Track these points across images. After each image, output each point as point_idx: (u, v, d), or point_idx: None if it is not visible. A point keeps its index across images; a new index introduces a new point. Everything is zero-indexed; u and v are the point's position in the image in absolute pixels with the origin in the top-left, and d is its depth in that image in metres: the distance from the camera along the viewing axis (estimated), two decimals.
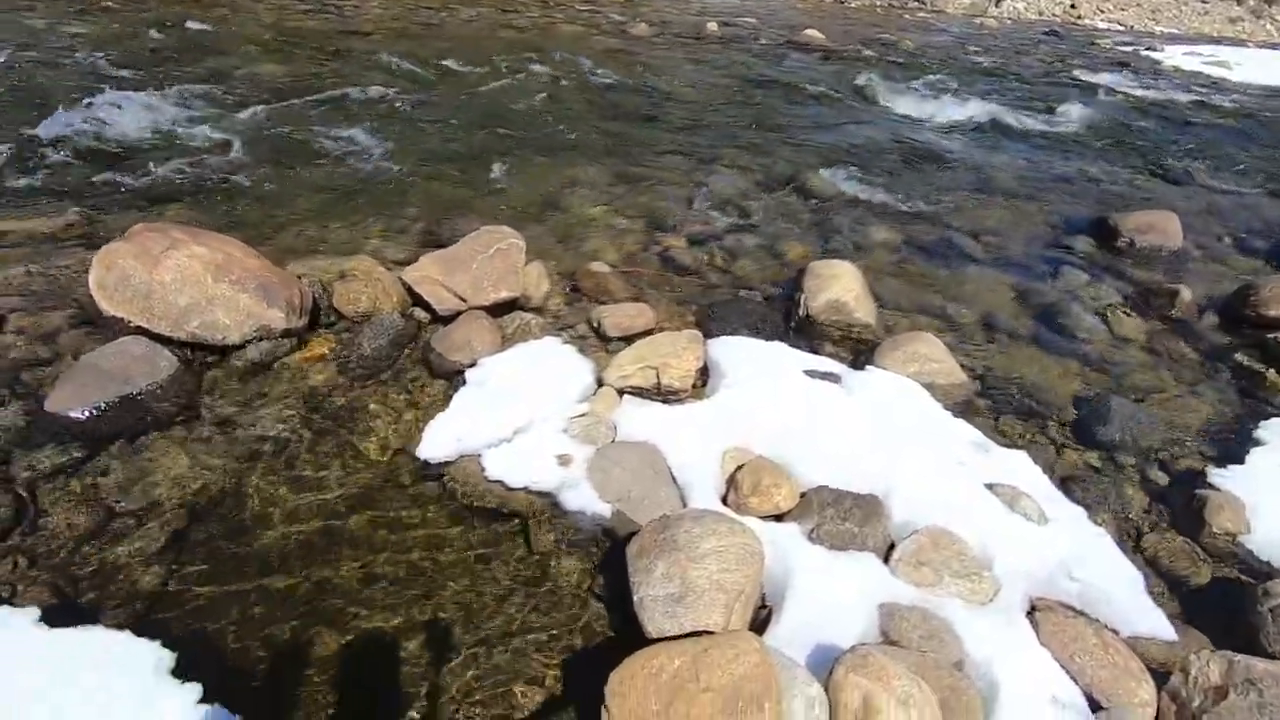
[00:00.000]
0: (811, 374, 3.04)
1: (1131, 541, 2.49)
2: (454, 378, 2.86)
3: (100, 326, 2.84)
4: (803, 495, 2.38)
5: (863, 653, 1.71)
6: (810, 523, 2.27)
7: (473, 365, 2.89)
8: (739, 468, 2.44)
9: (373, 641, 1.94)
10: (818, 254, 4.28)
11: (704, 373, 3.01)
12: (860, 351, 3.38)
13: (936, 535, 2.22)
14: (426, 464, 2.47)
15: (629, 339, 3.17)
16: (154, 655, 1.74)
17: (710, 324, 3.43)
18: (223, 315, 2.79)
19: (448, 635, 1.97)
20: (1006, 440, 2.86)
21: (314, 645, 1.90)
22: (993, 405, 3.12)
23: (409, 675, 1.87)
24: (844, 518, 2.26)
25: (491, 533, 2.28)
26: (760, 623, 1.99)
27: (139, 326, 2.75)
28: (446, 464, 2.47)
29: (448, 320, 3.14)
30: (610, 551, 2.24)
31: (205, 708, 1.64)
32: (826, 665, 1.76)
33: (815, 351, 3.26)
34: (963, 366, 3.27)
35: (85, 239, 3.56)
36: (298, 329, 2.97)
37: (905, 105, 8.01)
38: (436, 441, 2.52)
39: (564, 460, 2.45)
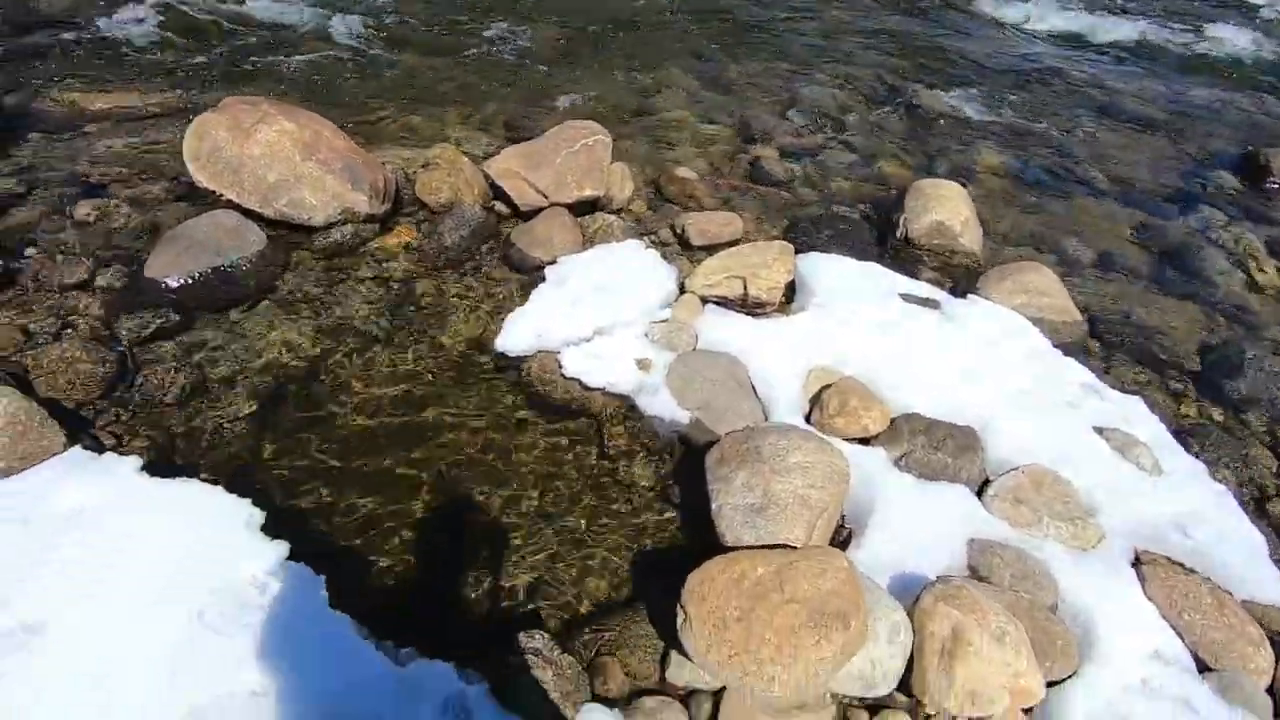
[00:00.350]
0: (908, 298, 2.84)
1: (1254, 504, 2.27)
2: (533, 274, 2.79)
3: (194, 198, 2.87)
4: (892, 421, 2.24)
5: (955, 584, 1.62)
6: (899, 449, 2.15)
7: (552, 263, 2.81)
8: (825, 387, 2.31)
9: (442, 522, 1.96)
10: (920, 175, 3.95)
11: (791, 288, 2.85)
12: (962, 279, 3.13)
13: (1038, 475, 2.06)
14: (503, 356, 2.44)
15: (714, 248, 3.02)
16: (244, 512, 1.79)
17: (800, 239, 3.23)
18: (309, 195, 2.77)
19: (517, 524, 1.98)
20: (1120, 385, 2.62)
21: (386, 519, 1.94)
22: (1107, 346, 2.86)
23: (476, 559, 1.89)
24: (936, 447, 2.13)
25: (565, 430, 2.25)
26: (839, 543, 1.92)
27: (230, 200, 2.77)
28: (523, 358, 2.44)
29: (528, 216, 3.04)
30: (685, 459, 2.18)
31: (291, 565, 1.68)
32: (910, 593, 1.68)
33: (913, 276, 3.04)
34: (1076, 303, 2.99)
35: (183, 114, 3.58)
36: (381, 215, 2.94)
37: (1025, 17, 7.20)
38: (514, 336, 2.47)
39: (643, 364, 2.37)
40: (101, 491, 1.76)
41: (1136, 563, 1.93)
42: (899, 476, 2.08)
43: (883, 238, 3.38)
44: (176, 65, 4.21)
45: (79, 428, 1.99)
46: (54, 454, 1.85)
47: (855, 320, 2.66)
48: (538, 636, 1.62)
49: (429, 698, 1.50)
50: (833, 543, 1.89)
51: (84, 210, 2.77)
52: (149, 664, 1.45)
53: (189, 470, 1.94)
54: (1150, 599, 1.81)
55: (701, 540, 1.90)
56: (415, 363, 2.40)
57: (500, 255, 2.91)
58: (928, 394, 2.36)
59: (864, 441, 2.20)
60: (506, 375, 2.39)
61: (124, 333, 2.32)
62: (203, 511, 1.77)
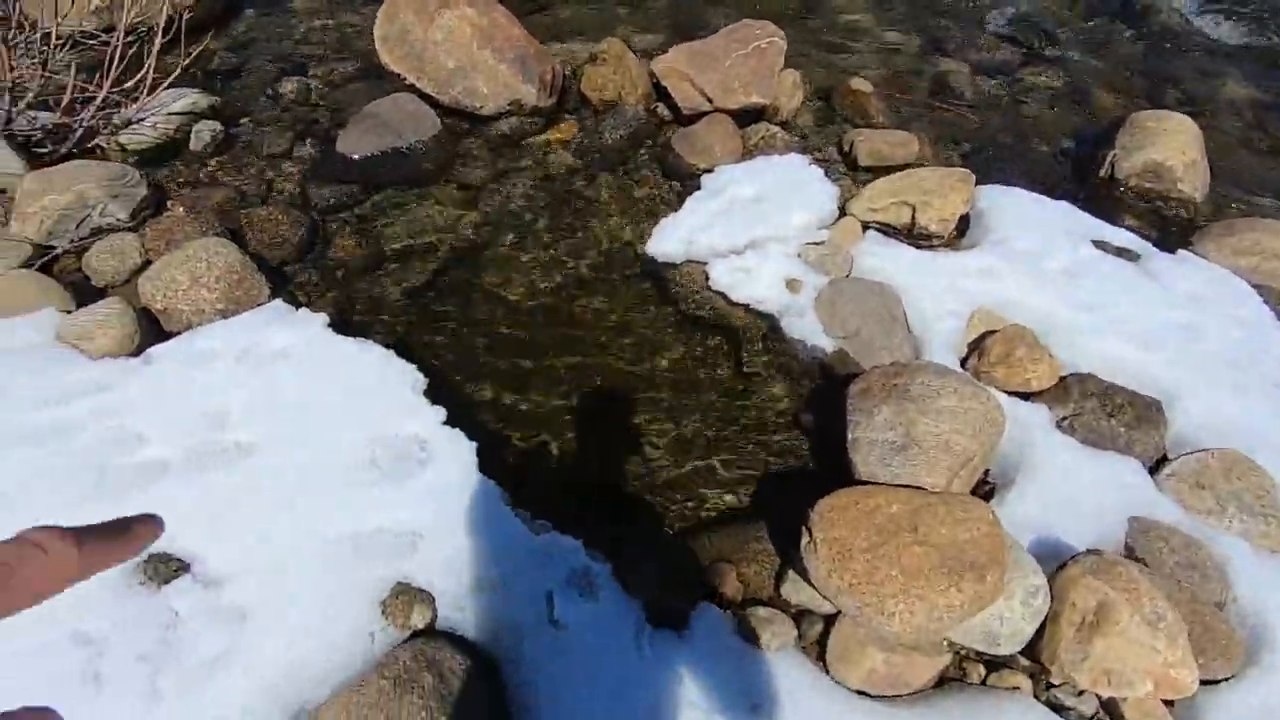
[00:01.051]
0: (1102, 246, 2.52)
1: None
2: (689, 180, 2.74)
3: (381, 79, 3.03)
4: (1062, 379, 2.05)
5: (1109, 559, 1.50)
6: (1065, 409, 1.97)
7: (709, 171, 2.73)
8: (989, 333, 2.14)
9: (581, 409, 2.06)
10: (1140, 105, 3.40)
11: (965, 221, 2.61)
12: (1174, 231, 2.72)
13: (1231, 460, 1.83)
14: (652, 260, 2.45)
15: (883, 170, 2.80)
16: (410, 375, 1.97)
17: (983, 168, 2.91)
18: (482, 84, 2.83)
19: (649, 422, 2.04)
20: None
21: (531, 398, 2.06)
22: None
23: (609, 448, 1.98)
24: (1110, 414, 1.93)
25: (704, 340, 2.26)
26: (981, 496, 1.82)
27: (411, 84, 2.89)
28: (671, 265, 2.43)
29: (690, 120, 2.95)
30: (824, 387, 2.13)
31: (446, 428, 1.85)
32: (1054, 560, 1.58)
33: (1112, 221, 2.67)
34: None
35: None
36: (546, 109, 2.96)
37: None
38: (664, 242, 2.46)
39: (792, 285, 2.29)
40: (299, 339, 2.00)
41: None
42: (1060, 439, 1.92)
43: (1082, 175, 2.98)
44: None
45: (279, 282, 2.24)
46: (260, 303, 2.11)
47: (1034, 264, 2.41)
48: (662, 530, 1.69)
49: (557, 567, 1.63)
50: (974, 494, 1.80)
51: (287, 87, 3.01)
52: (330, 489, 1.67)
53: (366, 330, 2.15)
54: None
55: (831, 470, 1.88)
56: (567, 256, 2.46)
57: (657, 158, 2.87)
58: (1107, 355, 2.13)
59: (1025, 396, 2.03)
60: (653, 279, 2.41)
61: (316, 201, 2.54)
62: (377, 369, 1.97)
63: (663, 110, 3.07)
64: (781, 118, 3.07)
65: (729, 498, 1.91)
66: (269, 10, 3.59)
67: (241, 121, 2.83)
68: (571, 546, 1.67)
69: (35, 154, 2.41)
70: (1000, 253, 2.44)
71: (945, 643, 1.54)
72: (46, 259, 2.13)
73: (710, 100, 2.95)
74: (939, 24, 3.99)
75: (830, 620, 1.59)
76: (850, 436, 1.80)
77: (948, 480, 1.66)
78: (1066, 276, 2.38)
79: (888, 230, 2.52)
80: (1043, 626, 1.49)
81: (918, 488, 1.64)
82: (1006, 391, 2.02)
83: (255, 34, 3.40)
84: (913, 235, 2.50)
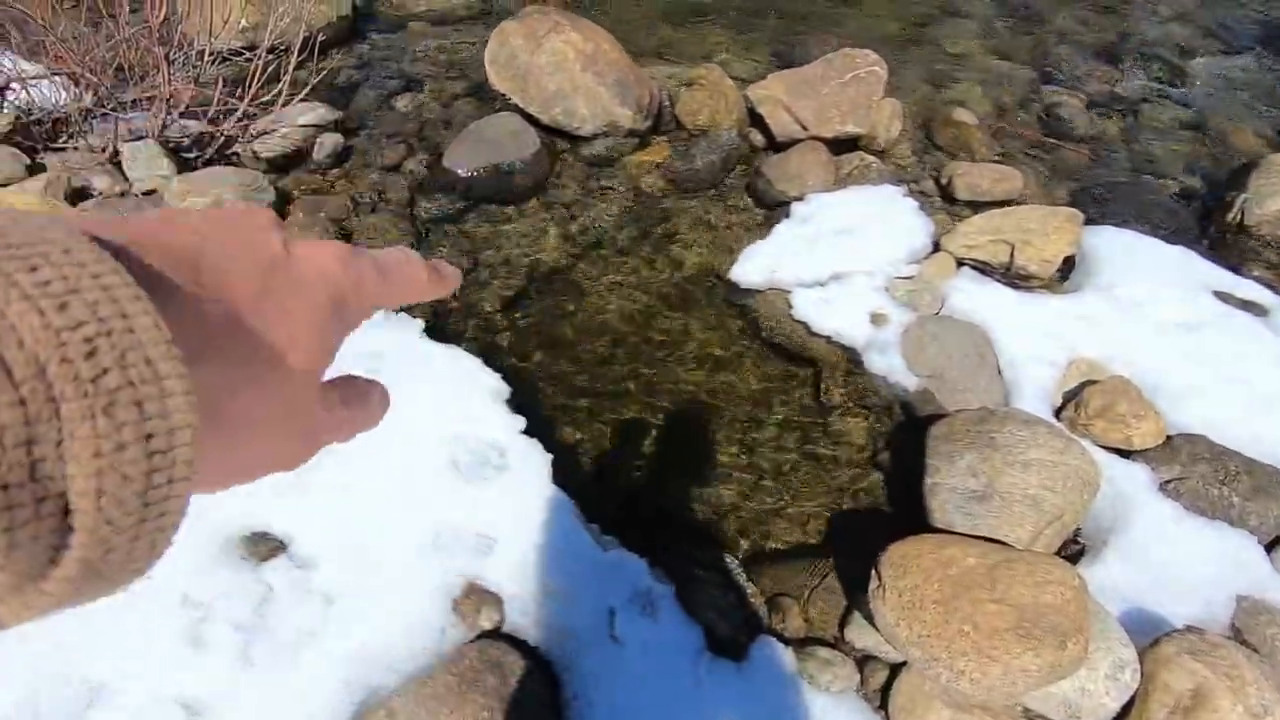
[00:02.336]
0: (1225, 298, 2.34)
1: None
2: (778, 208, 2.74)
3: (487, 98, 3.19)
4: (1169, 438, 1.92)
5: (1211, 639, 1.39)
6: (1170, 472, 1.84)
7: (800, 199, 2.72)
8: (1089, 383, 2.03)
9: (655, 429, 2.08)
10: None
11: (1069, 263, 2.49)
12: None
13: None
14: (735, 286, 2.46)
15: (982, 205, 2.71)
16: (494, 384, 2.06)
17: (1092, 208, 2.77)
18: (582, 105, 2.94)
19: (722, 448, 2.04)
20: None
21: (607, 415, 2.11)
22: None
23: (681, 470, 1.99)
24: (1223, 482, 1.79)
25: (783, 370, 2.24)
26: (1066, 556, 1.72)
27: (515, 104, 3.03)
28: (754, 291, 2.44)
29: (783, 147, 2.95)
30: (904, 426, 2.07)
31: (525, 438, 1.92)
32: (1146, 633, 1.48)
33: (1238, 271, 2.48)
34: None
35: (486, 16, 3.94)
36: (641, 130, 3.04)
37: None
38: (749, 268, 2.47)
39: (878, 320, 2.25)
40: (395, 341, 2.13)
41: None
42: (1162, 502, 1.79)
43: (1206, 220, 2.79)
44: None
45: None
46: None
47: (1145, 313, 2.26)
48: (727, 559, 1.70)
49: (621, 584, 1.66)
50: (1058, 552, 1.71)
51: (402, 102, 3.22)
52: (415, 486, 1.77)
53: (457, 338, 2.26)
54: None
55: (905, 513, 1.83)
56: (651, 276, 2.51)
57: (747, 184, 2.88)
58: (1223, 417, 1.97)
59: (1125, 454, 1.91)
60: (735, 305, 2.42)
61: (421, 212, 2.70)
62: (464, 376, 2.07)
63: (756, 136, 3.09)
64: (878, 147, 3.03)
65: (797, 530, 1.88)
66: (391, 31, 3.85)
67: (360, 134, 3.05)
68: (636, 565, 1.69)
69: (183, 159, 2.68)
70: (1106, 298, 2.31)
71: (1020, 709, 1.46)
72: None
73: (805, 128, 2.95)
74: (1052, 53, 3.83)
75: (896, 669, 1.54)
76: (928, 481, 1.75)
77: (1031, 537, 1.59)
78: (1180, 328, 2.23)
79: (983, 268, 2.44)
80: (1129, 704, 1.40)
81: (998, 541, 1.58)
82: (1103, 446, 1.91)
83: (377, 53, 3.65)
84: (1010, 275, 2.40)
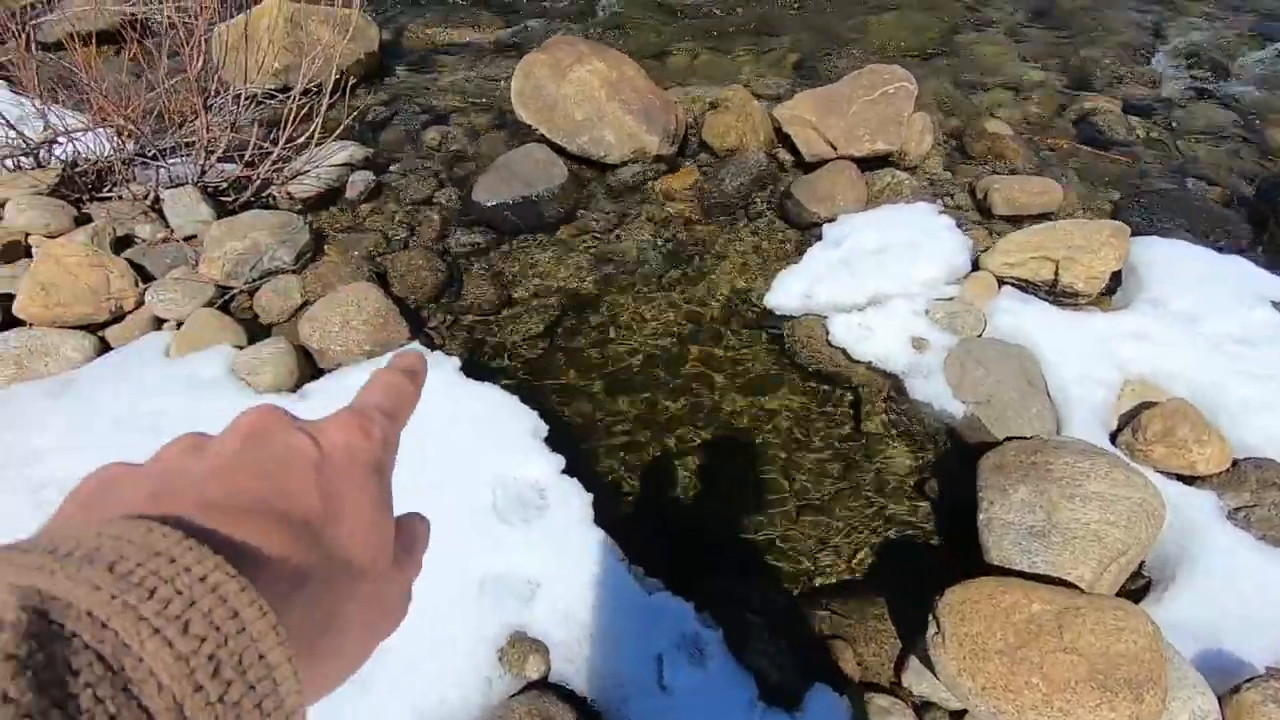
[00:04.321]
0: None
1: None
2: (809, 230, 2.70)
3: (514, 129, 3.21)
4: (1235, 463, 1.83)
5: None
6: (1238, 499, 1.76)
7: (831, 220, 2.69)
8: (1146, 405, 1.95)
9: (695, 463, 2.05)
10: None
11: (1116, 278, 2.41)
12: None
13: None
14: (769, 312, 2.43)
15: (1021, 220, 2.65)
16: (531, 421, 2.05)
17: (1137, 218, 2.69)
18: (608, 134, 2.94)
19: (762, 480, 2.01)
20: None
21: (646, 450, 2.08)
22: None
23: (722, 506, 1.96)
24: None
25: (822, 398, 2.20)
26: (1132, 593, 1.65)
27: (541, 135, 3.05)
28: (789, 318, 2.40)
29: (812, 167, 2.92)
30: (951, 455, 2.02)
31: (565, 478, 1.90)
32: (1224, 678, 1.41)
33: None
34: None
35: (512, 49, 3.98)
36: (668, 155, 3.03)
37: None
38: (782, 293, 2.44)
39: (919, 344, 2.20)
40: (433, 382, 2.12)
41: None
42: (1231, 532, 1.71)
43: (1259, 226, 2.68)
44: (510, 3, 4.64)
45: (417, 324, 2.40)
46: (401, 344, 2.27)
47: (1200, 328, 2.18)
48: (775, 600, 1.66)
49: (668, 629, 1.62)
50: (1125, 590, 1.64)
51: (430, 136, 3.25)
52: (459, 531, 1.76)
53: (492, 374, 2.26)
54: None
55: (957, 548, 1.77)
56: (684, 305, 2.49)
57: (778, 206, 2.85)
58: None
59: (1188, 480, 1.83)
60: (770, 331, 2.38)
61: (452, 245, 2.72)
62: (501, 414, 2.06)
63: (784, 156, 3.06)
64: (909, 163, 2.98)
65: (844, 566, 1.84)
66: (418, 67, 3.90)
67: (390, 170, 3.09)
68: (682, 609, 1.66)
69: (221, 203, 2.73)
70: (1158, 314, 2.23)
71: None
72: (225, 299, 2.40)
73: (834, 147, 2.91)
74: (1087, 58, 3.74)
75: (958, 715, 1.48)
76: (982, 515, 1.69)
77: (1095, 575, 1.52)
78: (1238, 343, 2.14)
79: (1026, 287, 2.37)
80: None
81: (1060, 580, 1.52)
82: (1164, 473, 1.83)
83: (405, 87, 3.71)
84: (1055, 293, 2.34)
